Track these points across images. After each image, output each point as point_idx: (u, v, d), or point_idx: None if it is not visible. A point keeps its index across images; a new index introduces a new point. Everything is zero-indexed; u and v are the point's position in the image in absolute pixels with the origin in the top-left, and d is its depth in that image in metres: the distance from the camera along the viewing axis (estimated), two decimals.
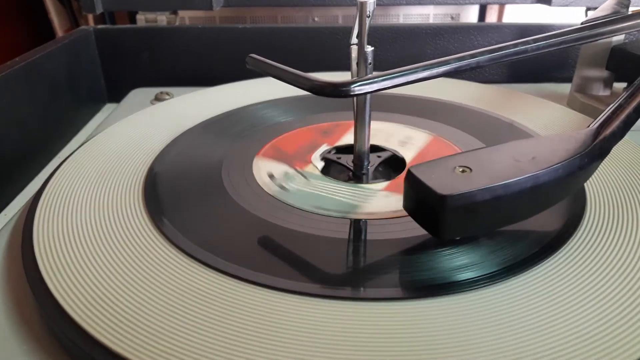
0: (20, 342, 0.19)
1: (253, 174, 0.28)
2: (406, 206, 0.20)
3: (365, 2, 0.25)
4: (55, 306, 0.18)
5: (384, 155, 0.30)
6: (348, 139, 0.31)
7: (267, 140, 0.32)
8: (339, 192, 0.26)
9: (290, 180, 0.27)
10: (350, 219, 0.23)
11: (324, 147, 0.31)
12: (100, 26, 0.49)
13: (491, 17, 0.72)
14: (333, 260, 0.21)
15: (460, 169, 0.19)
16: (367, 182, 0.28)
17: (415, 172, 0.19)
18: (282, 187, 0.26)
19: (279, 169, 0.28)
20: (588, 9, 0.53)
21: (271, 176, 0.27)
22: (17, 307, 0.20)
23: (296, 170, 0.28)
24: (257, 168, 0.28)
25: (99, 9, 0.51)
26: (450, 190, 0.18)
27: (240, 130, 0.33)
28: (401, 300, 0.18)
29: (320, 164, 0.29)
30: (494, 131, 0.33)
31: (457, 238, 0.21)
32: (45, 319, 0.19)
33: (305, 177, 0.27)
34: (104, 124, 0.39)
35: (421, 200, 0.19)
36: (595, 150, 0.20)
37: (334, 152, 0.31)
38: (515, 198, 0.18)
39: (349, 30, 0.26)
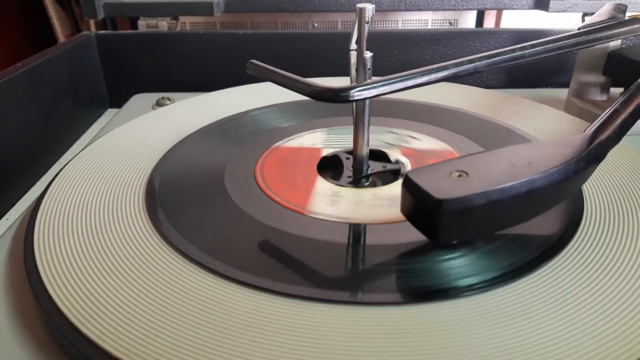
0: (22, 346, 0.19)
1: (255, 179, 0.28)
2: (403, 210, 0.21)
3: (364, 7, 0.25)
4: (57, 310, 0.18)
5: (390, 166, 0.30)
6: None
7: (268, 144, 0.32)
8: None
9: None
10: (349, 224, 0.24)
11: (323, 153, 0.31)
12: (101, 32, 0.49)
13: (489, 23, 0.73)
14: (332, 264, 0.21)
15: (457, 174, 0.19)
16: (366, 186, 0.28)
17: (412, 176, 0.19)
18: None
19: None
20: (585, 14, 0.53)
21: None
22: (18, 311, 0.20)
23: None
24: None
25: (101, 15, 0.51)
26: (446, 194, 0.18)
27: (241, 136, 0.33)
28: (400, 305, 0.19)
29: (321, 169, 0.29)
30: (491, 136, 0.33)
31: (454, 242, 0.21)
32: (47, 323, 0.19)
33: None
34: (105, 129, 0.40)
35: (418, 205, 0.19)
36: (591, 155, 0.20)
37: (331, 157, 0.31)
38: (511, 202, 0.19)
39: (348, 36, 0.26)
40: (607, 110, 0.24)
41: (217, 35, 0.50)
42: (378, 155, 0.31)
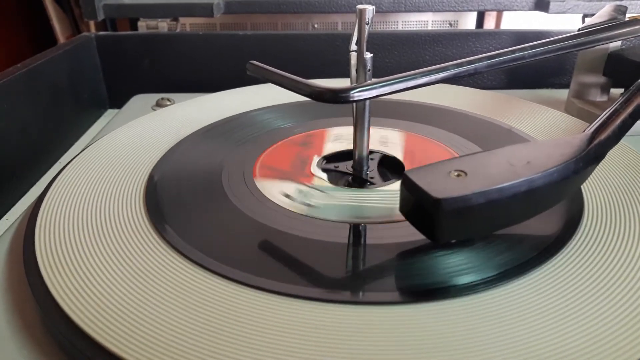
0: (21, 346, 0.19)
1: (253, 180, 0.28)
2: (402, 210, 0.21)
3: (365, 9, 0.25)
4: (57, 310, 0.18)
5: (376, 157, 0.30)
6: (331, 147, 0.32)
7: (267, 145, 0.32)
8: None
9: (306, 196, 0.26)
10: (349, 224, 0.24)
11: (317, 158, 0.30)
12: (101, 33, 0.49)
13: (489, 24, 0.73)
14: (333, 264, 0.21)
15: (456, 173, 0.19)
16: (367, 187, 0.28)
17: (411, 175, 0.19)
18: (306, 204, 0.25)
19: (288, 186, 0.27)
20: (585, 15, 0.53)
21: (287, 195, 0.26)
22: (18, 311, 0.20)
23: (305, 185, 0.27)
24: (263, 187, 0.27)
25: (101, 16, 0.51)
26: (445, 193, 0.18)
27: (241, 136, 0.33)
28: (400, 304, 0.19)
29: (323, 174, 0.29)
30: (491, 136, 0.33)
31: (453, 241, 0.21)
32: (47, 323, 0.19)
33: (314, 188, 0.27)
34: (105, 130, 0.40)
35: (417, 204, 0.19)
36: (590, 155, 0.20)
37: (325, 162, 0.31)
38: (510, 202, 0.19)
39: (348, 37, 0.26)
40: (607, 110, 0.24)
41: (217, 36, 0.50)
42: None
